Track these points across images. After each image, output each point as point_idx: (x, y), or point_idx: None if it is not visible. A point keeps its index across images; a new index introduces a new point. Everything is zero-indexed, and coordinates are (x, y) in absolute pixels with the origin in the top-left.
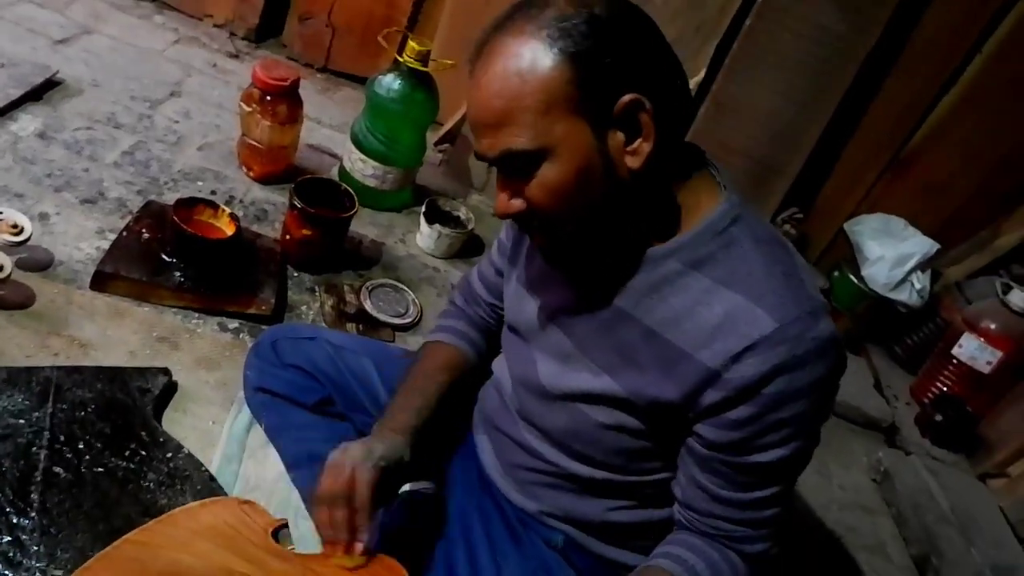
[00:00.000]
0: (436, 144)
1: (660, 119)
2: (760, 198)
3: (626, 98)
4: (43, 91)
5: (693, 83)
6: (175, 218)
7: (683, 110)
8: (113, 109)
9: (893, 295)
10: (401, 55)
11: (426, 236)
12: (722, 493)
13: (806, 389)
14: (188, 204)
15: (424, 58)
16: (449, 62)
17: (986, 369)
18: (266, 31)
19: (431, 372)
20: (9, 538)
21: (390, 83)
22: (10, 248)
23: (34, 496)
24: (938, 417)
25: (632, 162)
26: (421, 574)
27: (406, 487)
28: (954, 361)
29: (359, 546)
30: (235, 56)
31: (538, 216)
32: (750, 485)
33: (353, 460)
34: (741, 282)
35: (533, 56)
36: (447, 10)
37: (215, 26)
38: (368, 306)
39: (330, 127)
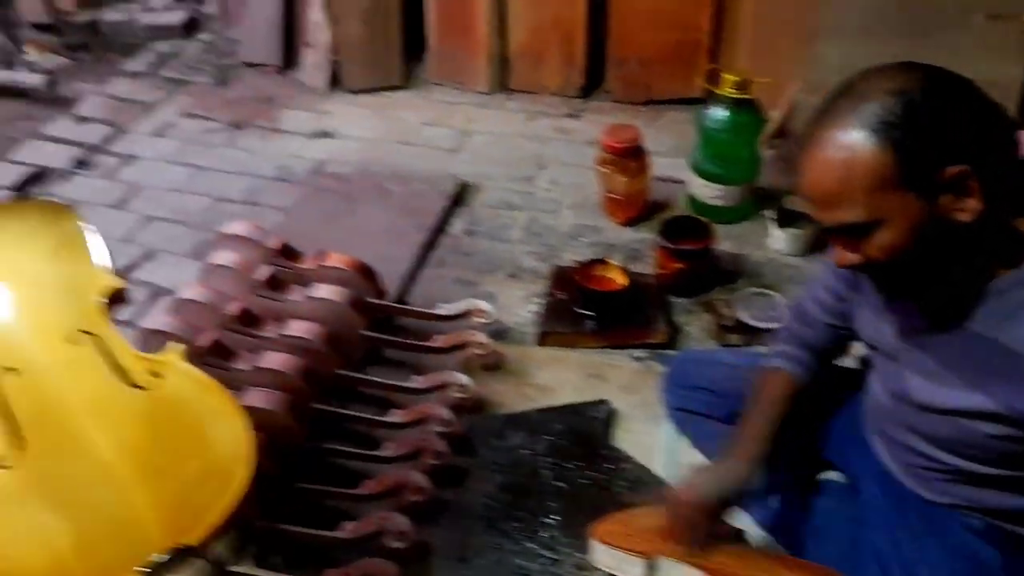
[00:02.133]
0: (767, 140)
1: (987, 178)
2: None
3: (952, 170)
4: (460, 195)
5: None
6: (579, 280)
7: (1011, 163)
8: (504, 195)
9: None
10: (716, 84)
11: (780, 240)
12: None
13: None
14: (586, 266)
15: (742, 86)
16: (766, 79)
17: None
18: (591, 85)
19: (773, 401)
20: (545, 535)
21: (715, 115)
22: (483, 327)
23: (551, 503)
24: None
25: (963, 216)
26: (846, 559)
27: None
28: None
29: (694, 550)
30: (573, 116)
31: (875, 266)
32: None
33: (705, 485)
34: None
35: (857, 147)
36: (749, 23)
37: (551, 95)
38: (744, 317)
39: (666, 154)
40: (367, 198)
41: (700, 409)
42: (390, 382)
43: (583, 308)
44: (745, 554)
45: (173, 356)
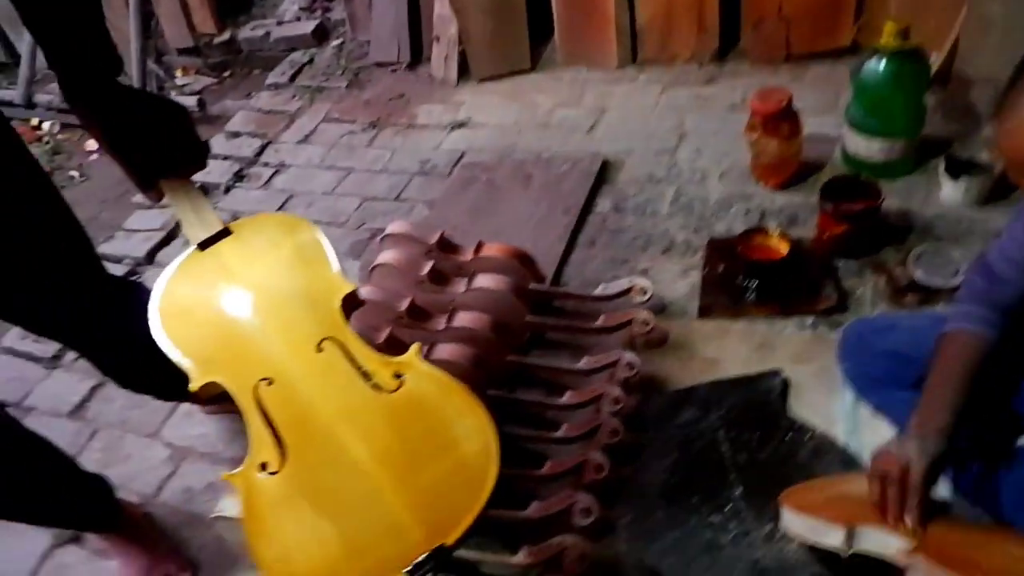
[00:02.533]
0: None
1: None
2: None
3: None
4: (603, 173)
5: None
6: (740, 250)
7: None
8: (648, 169)
9: None
10: (872, 35)
11: (952, 191)
12: None
13: None
14: (744, 236)
15: (903, 34)
16: (927, 25)
17: None
18: (725, 48)
19: (959, 366)
20: (730, 508)
21: (875, 67)
22: (643, 305)
23: (732, 477)
24: None
25: None
26: None
27: None
28: None
29: (908, 521)
30: (710, 82)
31: None
32: None
33: (910, 453)
34: None
35: None
36: None
37: (684, 63)
38: (918, 275)
39: (813, 112)
40: (510, 184)
41: (883, 376)
42: (560, 365)
43: (745, 278)
44: (959, 526)
45: (413, 357)
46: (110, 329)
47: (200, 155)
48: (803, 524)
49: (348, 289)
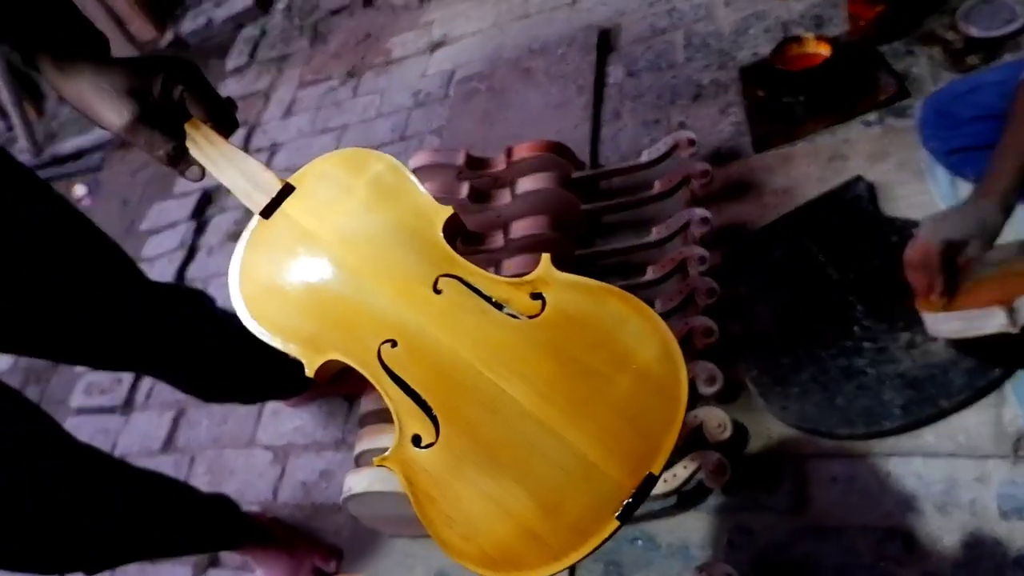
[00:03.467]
0: None
1: None
2: None
3: None
4: (603, 43)
5: None
6: (777, 67)
7: None
8: (648, 22)
9: None
10: None
11: None
12: None
13: None
14: (778, 52)
15: None
16: None
17: None
18: None
19: None
20: (857, 328)
21: None
22: (694, 158)
23: (849, 297)
24: None
25: None
26: None
27: None
28: None
29: (934, 299)
30: None
31: None
32: None
33: (926, 234)
34: None
35: None
36: None
37: None
38: (974, 32)
39: None
40: (513, 85)
41: (977, 143)
42: (633, 243)
43: (791, 95)
44: None
45: (546, 269)
46: (176, 337)
47: (227, 110)
48: (955, 321)
49: (446, 214)
